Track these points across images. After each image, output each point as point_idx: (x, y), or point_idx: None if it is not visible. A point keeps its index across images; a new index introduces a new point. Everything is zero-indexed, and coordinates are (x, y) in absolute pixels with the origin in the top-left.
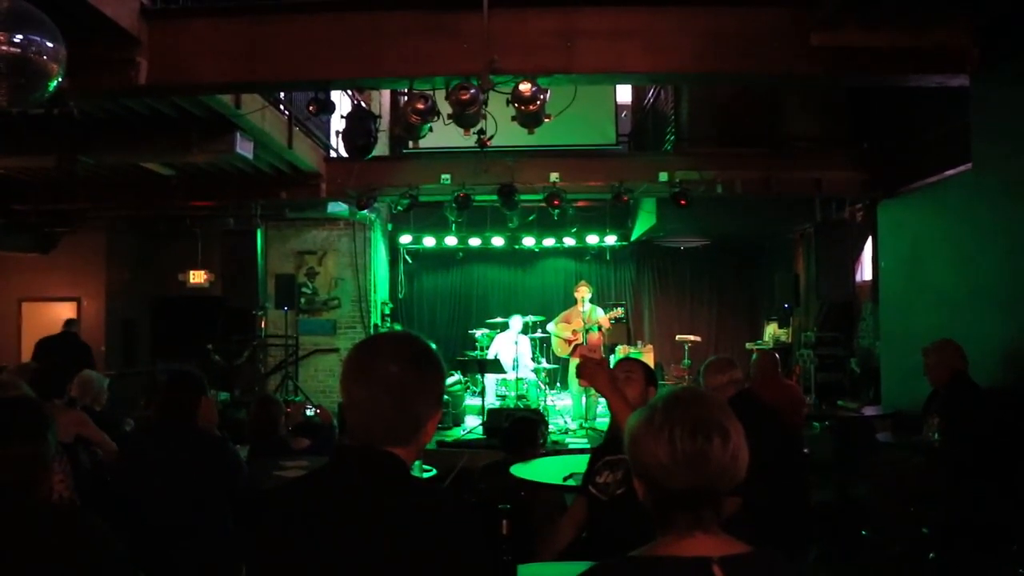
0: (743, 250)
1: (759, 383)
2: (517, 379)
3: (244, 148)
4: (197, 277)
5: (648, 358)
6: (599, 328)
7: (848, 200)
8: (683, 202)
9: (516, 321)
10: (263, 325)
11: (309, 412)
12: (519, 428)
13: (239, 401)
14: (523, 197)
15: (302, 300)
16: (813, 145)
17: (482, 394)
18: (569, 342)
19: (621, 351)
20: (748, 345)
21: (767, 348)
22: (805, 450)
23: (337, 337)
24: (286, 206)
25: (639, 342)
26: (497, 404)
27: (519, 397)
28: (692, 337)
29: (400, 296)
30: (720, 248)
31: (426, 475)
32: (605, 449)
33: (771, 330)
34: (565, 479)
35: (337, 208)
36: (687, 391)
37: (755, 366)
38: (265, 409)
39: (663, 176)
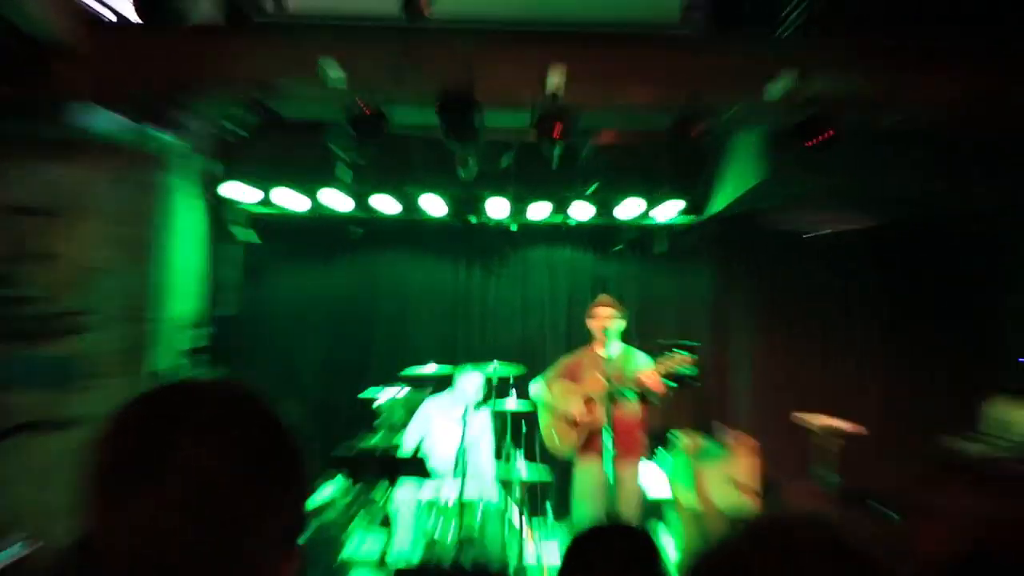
0: (943, 245)
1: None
2: (463, 500)
3: None
4: None
5: (742, 464)
6: (641, 395)
7: None
8: (818, 139)
9: (468, 377)
10: None
11: (8, 550)
12: None
13: None
14: (492, 120)
15: (9, 314)
16: None
17: (386, 526)
18: (575, 423)
19: (687, 446)
20: (953, 442)
21: (1002, 455)
22: None
23: (80, 396)
24: None
25: (723, 428)
26: (419, 552)
27: (464, 540)
28: (836, 422)
29: (231, 311)
30: (892, 239)
31: None
32: None
33: (1004, 415)
34: None
35: (101, 123)
36: (789, 526)
37: None
38: None
39: (778, 86)
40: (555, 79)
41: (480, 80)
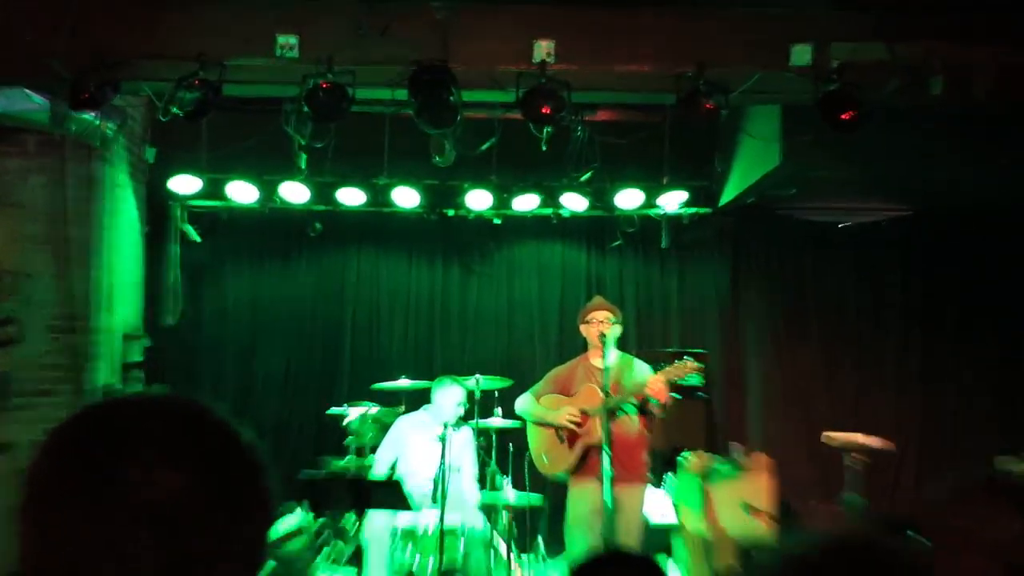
0: (985, 239)
1: None
2: (443, 528)
3: None
4: None
5: (757, 487)
6: (641, 408)
7: None
8: (848, 115)
9: (447, 391)
10: None
11: None
12: None
13: None
14: (469, 97)
15: None
16: None
17: (357, 561)
18: (570, 438)
19: (693, 463)
20: (1002, 462)
21: None
22: None
23: (10, 416)
24: None
25: (736, 447)
26: None
27: (446, 574)
28: (864, 439)
29: (172, 320)
30: (938, 229)
31: None
32: None
33: None
34: None
35: (21, 105)
36: (859, 543)
37: None
38: None
39: (801, 53)
40: (543, 48)
41: (457, 50)
